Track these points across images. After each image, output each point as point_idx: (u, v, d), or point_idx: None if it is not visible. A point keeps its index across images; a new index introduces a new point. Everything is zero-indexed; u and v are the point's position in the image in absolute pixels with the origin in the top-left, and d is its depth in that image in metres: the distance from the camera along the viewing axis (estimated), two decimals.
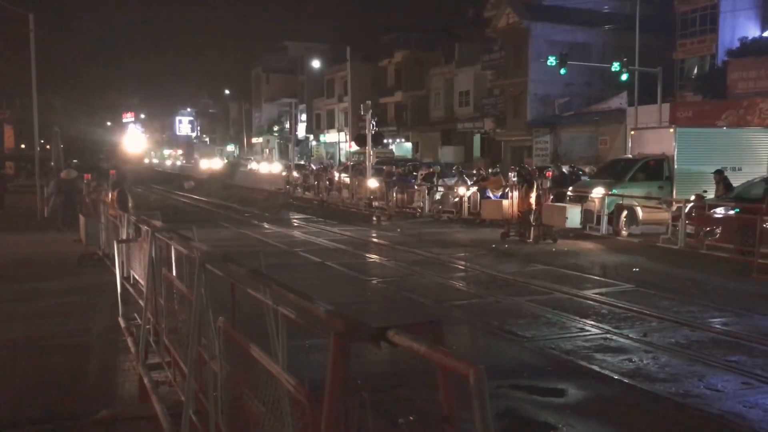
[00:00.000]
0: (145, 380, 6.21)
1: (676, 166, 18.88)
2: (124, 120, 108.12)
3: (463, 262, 14.69)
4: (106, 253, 13.54)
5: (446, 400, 2.34)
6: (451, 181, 26.49)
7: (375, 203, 28.13)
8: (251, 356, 3.74)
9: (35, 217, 23.92)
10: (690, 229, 15.87)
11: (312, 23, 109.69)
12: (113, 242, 10.22)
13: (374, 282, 12.66)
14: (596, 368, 7.45)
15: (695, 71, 39.04)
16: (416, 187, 27.02)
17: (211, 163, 68.23)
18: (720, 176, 17.52)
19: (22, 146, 58.37)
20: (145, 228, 7.23)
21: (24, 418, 5.98)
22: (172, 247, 6.31)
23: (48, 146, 39.16)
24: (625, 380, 7.06)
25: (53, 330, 8.99)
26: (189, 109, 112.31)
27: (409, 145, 60.26)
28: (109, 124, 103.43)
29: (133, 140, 56.20)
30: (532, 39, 43.78)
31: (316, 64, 60.50)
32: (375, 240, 19.03)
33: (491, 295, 11.29)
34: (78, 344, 8.38)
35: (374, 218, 24.59)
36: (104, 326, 8.90)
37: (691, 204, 16.28)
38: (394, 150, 58.29)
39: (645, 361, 7.68)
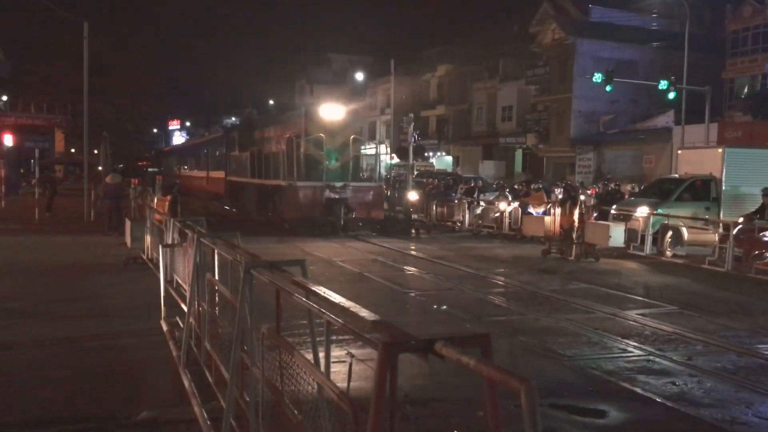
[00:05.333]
0: (186, 384, 6.28)
1: (723, 187, 18.50)
2: (170, 127, 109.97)
3: (502, 278, 14.56)
4: (151, 256, 13.78)
5: (493, 416, 2.30)
6: (491, 196, 26.32)
7: (414, 216, 28.07)
8: (293, 363, 3.75)
9: (82, 219, 24.48)
10: (738, 251, 15.50)
11: (356, 36, 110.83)
12: (158, 246, 10.39)
13: (413, 295, 12.61)
14: (639, 390, 7.28)
15: (745, 91, 38.26)
16: (456, 201, 26.91)
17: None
18: None
19: (72, 150, 59.93)
20: (190, 233, 7.35)
21: (63, 417, 6.06)
22: (216, 253, 6.40)
23: (96, 151, 40.10)
24: (669, 404, 6.89)
25: (96, 331, 9.14)
26: (234, 119, 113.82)
27: (449, 158, 60.13)
28: (155, 131, 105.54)
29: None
30: (578, 55, 43.44)
31: (359, 76, 60.92)
32: (414, 253, 18.99)
33: (531, 312, 11.15)
34: (120, 346, 8.50)
35: (413, 231, 24.54)
36: (147, 329, 9.04)
37: (740, 226, 15.92)
38: (434, 163, 58.23)
39: (689, 385, 7.49)
